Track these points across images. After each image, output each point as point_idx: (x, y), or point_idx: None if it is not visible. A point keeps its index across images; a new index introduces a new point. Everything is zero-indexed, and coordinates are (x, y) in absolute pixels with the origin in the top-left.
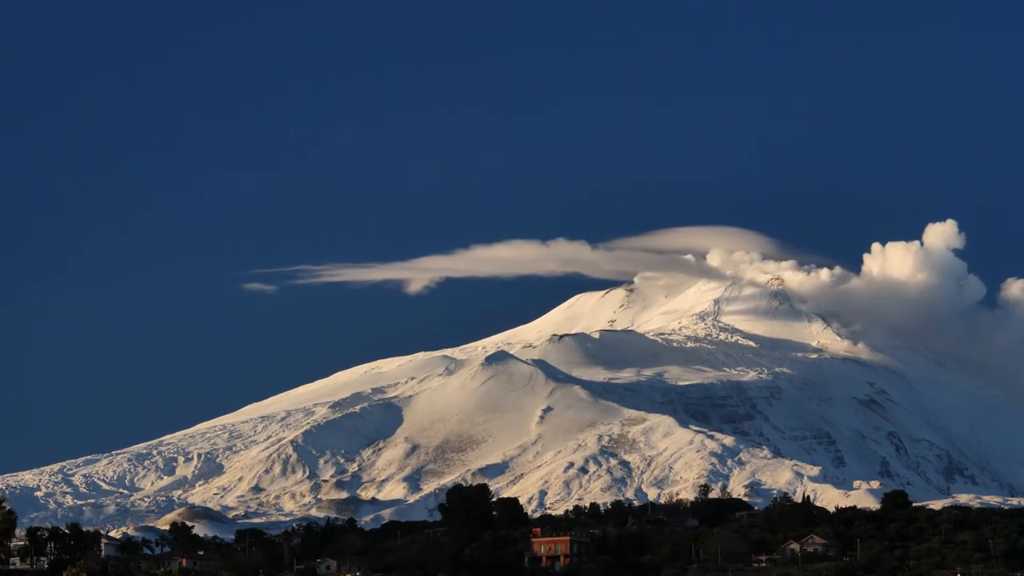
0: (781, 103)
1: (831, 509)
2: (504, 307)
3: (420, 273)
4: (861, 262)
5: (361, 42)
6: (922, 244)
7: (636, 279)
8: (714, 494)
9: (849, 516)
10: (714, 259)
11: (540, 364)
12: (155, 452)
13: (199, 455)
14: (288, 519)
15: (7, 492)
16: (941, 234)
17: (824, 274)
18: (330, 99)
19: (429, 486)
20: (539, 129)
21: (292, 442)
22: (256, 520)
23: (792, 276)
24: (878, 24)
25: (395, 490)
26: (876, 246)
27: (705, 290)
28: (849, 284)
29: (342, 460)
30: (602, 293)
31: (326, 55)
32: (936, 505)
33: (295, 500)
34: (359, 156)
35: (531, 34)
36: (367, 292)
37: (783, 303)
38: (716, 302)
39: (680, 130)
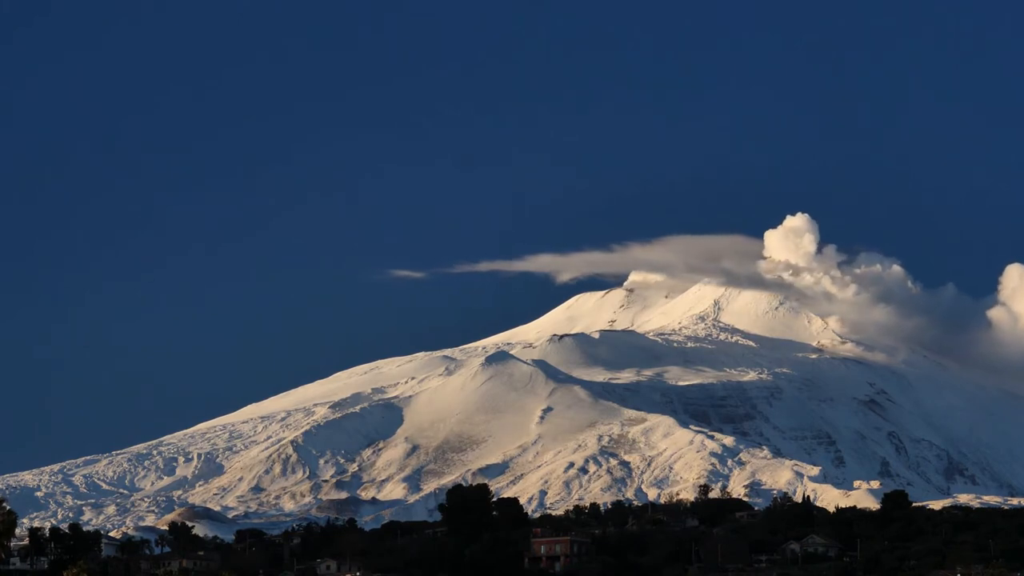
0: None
1: (831, 509)
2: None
3: (570, 266)
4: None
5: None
6: None
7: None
8: (714, 494)
9: (849, 516)
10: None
11: (540, 364)
12: (155, 452)
13: (199, 455)
14: (288, 519)
15: (7, 492)
16: None
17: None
18: (504, 101)
19: (429, 486)
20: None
21: (292, 442)
22: (256, 520)
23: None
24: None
25: (395, 490)
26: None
27: (705, 290)
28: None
29: (342, 460)
30: (602, 293)
31: (498, 54)
32: (936, 505)
33: (295, 500)
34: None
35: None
36: (515, 280)
37: (784, 303)
38: (716, 302)
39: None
